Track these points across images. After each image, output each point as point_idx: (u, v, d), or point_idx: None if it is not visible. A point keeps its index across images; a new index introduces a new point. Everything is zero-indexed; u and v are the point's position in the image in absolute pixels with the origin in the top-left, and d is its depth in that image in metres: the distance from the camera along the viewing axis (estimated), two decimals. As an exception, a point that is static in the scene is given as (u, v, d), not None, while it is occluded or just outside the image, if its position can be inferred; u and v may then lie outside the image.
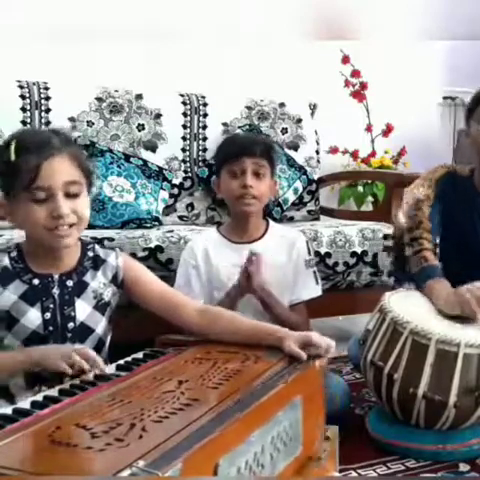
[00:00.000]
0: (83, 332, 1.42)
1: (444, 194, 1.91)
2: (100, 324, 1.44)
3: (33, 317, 1.37)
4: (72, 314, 1.40)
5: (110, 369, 1.24)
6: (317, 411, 1.26)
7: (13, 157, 1.29)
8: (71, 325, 1.40)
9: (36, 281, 1.39)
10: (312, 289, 1.95)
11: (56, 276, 1.40)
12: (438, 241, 1.84)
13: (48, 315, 1.38)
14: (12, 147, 1.30)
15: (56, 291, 1.39)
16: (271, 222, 2.00)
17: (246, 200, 1.86)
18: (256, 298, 1.82)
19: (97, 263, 1.46)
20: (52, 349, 1.29)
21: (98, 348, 1.43)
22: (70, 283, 1.41)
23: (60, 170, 1.31)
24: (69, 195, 1.32)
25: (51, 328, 1.39)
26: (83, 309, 1.42)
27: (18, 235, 1.80)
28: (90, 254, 1.46)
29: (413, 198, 1.91)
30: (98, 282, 1.44)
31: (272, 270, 1.87)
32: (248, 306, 1.82)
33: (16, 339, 1.38)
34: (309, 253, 1.97)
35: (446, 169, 1.96)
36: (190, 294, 1.76)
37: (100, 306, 1.44)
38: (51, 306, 1.39)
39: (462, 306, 1.64)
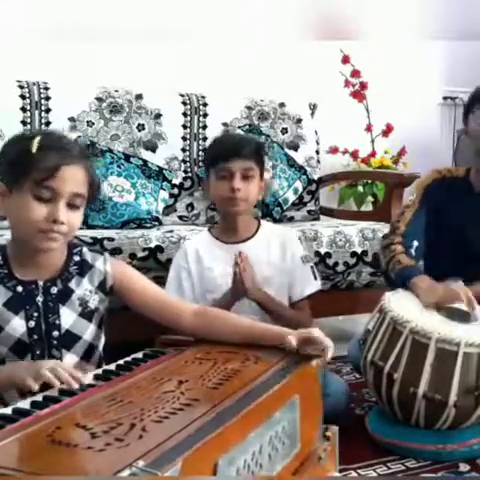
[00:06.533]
0: (69, 340, 1.39)
1: (433, 197, 1.96)
2: (87, 331, 1.41)
3: (17, 325, 1.35)
4: (57, 322, 1.37)
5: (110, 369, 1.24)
6: (315, 410, 1.26)
7: (35, 149, 1.28)
8: (56, 333, 1.37)
9: (20, 288, 1.36)
10: (313, 284, 1.95)
11: (40, 283, 1.37)
12: (416, 244, 1.86)
13: (32, 323, 1.36)
14: (36, 140, 1.29)
15: (40, 299, 1.36)
16: (262, 221, 1.99)
17: (234, 202, 1.85)
18: (254, 301, 1.81)
19: (83, 268, 1.42)
20: (20, 365, 1.27)
21: (88, 354, 1.42)
22: (54, 290, 1.37)
23: (73, 179, 1.30)
24: (71, 206, 1.31)
25: (36, 336, 1.36)
26: (68, 317, 1.39)
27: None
28: (76, 258, 1.42)
29: (402, 206, 1.98)
30: (84, 289, 1.41)
31: (266, 267, 1.87)
32: (242, 310, 1.81)
33: (2, 346, 1.35)
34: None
35: (437, 173, 2.01)
36: (181, 297, 1.77)
37: (86, 313, 1.41)
38: (35, 314, 1.36)
39: (453, 299, 1.64)
